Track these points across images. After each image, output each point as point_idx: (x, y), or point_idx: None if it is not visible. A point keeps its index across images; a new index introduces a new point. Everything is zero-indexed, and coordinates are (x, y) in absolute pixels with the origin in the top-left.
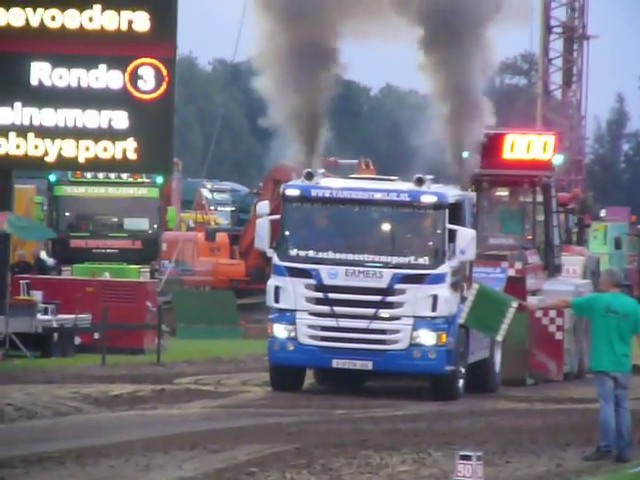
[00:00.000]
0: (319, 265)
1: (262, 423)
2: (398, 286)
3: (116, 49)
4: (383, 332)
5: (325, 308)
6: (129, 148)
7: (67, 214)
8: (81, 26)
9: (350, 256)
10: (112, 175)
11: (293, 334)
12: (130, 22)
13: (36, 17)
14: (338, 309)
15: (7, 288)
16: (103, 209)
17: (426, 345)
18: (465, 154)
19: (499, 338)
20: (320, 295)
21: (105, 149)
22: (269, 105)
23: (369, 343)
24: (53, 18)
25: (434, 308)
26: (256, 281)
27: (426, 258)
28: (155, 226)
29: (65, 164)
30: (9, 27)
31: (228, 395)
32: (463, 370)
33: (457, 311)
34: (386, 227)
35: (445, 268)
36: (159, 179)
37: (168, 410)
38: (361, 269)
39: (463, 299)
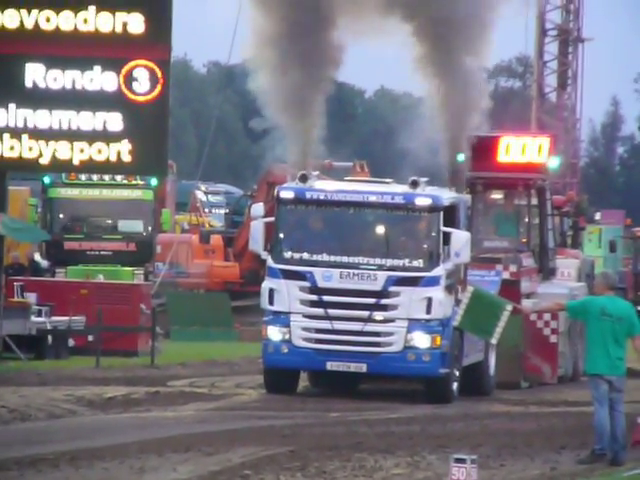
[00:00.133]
0: (313, 267)
1: (256, 426)
2: (392, 288)
3: (111, 51)
4: (377, 334)
5: (319, 310)
6: (123, 150)
7: (61, 216)
8: (76, 28)
9: (344, 258)
10: (106, 177)
11: (287, 336)
12: (125, 24)
13: (31, 18)
14: (332, 311)
15: (1, 290)
16: (97, 211)
17: (420, 348)
18: (460, 157)
19: (494, 341)
20: (314, 297)
21: (99, 151)
22: (264, 105)
23: (363, 345)
24: (48, 19)
25: (428, 311)
26: (250, 283)
27: (421, 261)
28: (149, 228)
29: (59, 166)
30: (3, 29)
31: (222, 398)
32: (457, 373)
33: (451, 314)
34: (381, 230)
35: (440, 271)
36: (153, 181)
37: (162, 412)
38: (355, 271)
39: (457, 302)
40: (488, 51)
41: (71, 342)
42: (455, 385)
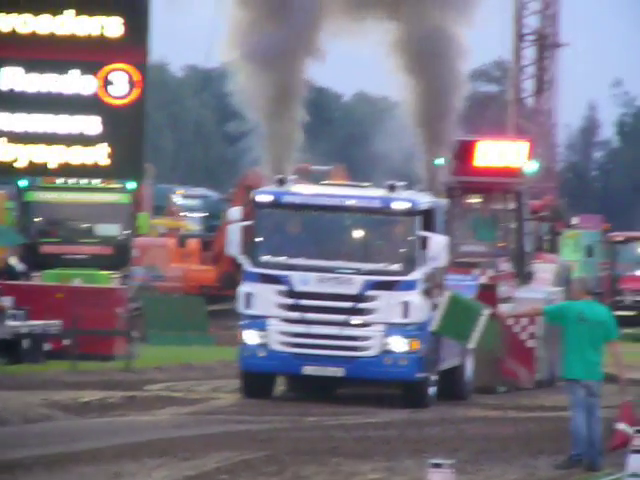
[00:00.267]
0: (290, 271)
1: (232, 430)
2: (370, 293)
3: (88, 54)
4: (354, 339)
5: (296, 314)
6: (100, 154)
7: (38, 220)
8: (53, 31)
9: (322, 262)
10: (83, 181)
11: (264, 340)
12: (102, 27)
13: (8, 22)
14: (309, 315)
15: None
16: (74, 215)
17: (397, 352)
18: (438, 161)
19: (471, 346)
20: (291, 301)
21: (76, 155)
22: (242, 107)
23: (340, 350)
24: (25, 23)
25: (405, 315)
26: (227, 287)
27: (398, 265)
28: (126, 232)
29: (36, 170)
30: None
31: (199, 402)
32: (434, 377)
33: (429, 318)
34: (358, 233)
35: (417, 275)
36: (130, 185)
37: (138, 417)
38: (333, 275)
39: (435, 306)
40: (466, 55)
41: (47, 346)
42: (432, 389)
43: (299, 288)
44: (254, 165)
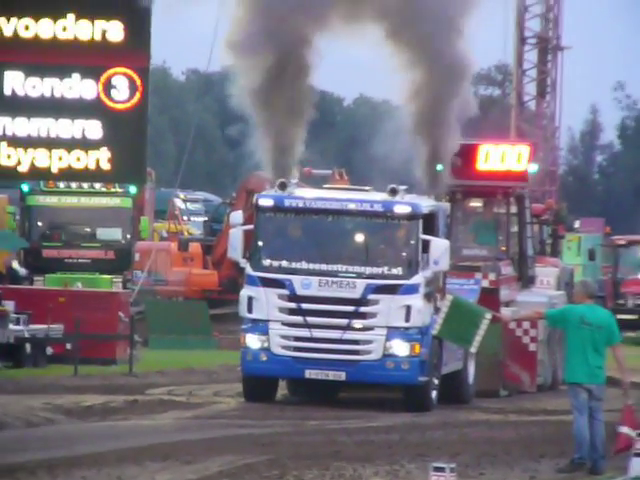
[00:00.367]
0: (292, 275)
1: (235, 434)
2: (371, 296)
3: (90, 59)
4: (356, 342)
5: (298, 318)
6: (102, 158)
7: (40, 224)
8: (54, 35)
9: (323, 266)
10: (85, 185)
11: (266, 344)
12: (104, 32)
13: (9, 27)
14: (311, 319)
15: None
16: (76, 219)
17: (399, 355)
18: (439, 167)
19: (473, 350)
20: (293, 305)
21: (78, 159)
22: (244, 109)
23: (342, 353)
24: (27, 27)
25: (407, 318)
26: (229, 291)
27: (399, 268)
28: (128, 236)
29: (38, 174)
30: None
31: (201, 406)
32: (436, 381)
33: (430, 322)
34: (360, 237)
35: (418, 278)
36: (132, 189)
37: (140, 421)
38: (334, 279)
39: (437, 310)
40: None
41: (49, 350)
42: (434, 393)
43: (301, 292)
44: (256, 169)
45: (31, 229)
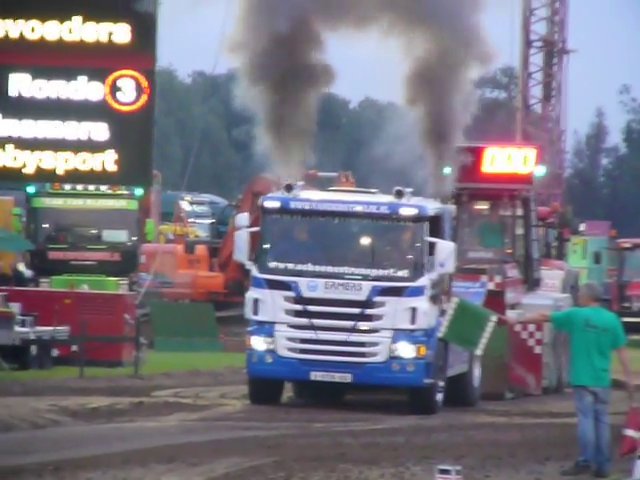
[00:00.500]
0: (298, 277)
1: (241, 436)
2: (377, 298)
3: (96, 61)
4: (362, 345)
5: (304, 320)
6: (108, 160)
7: (45, 226)
8: (61, 38)
9: (329, 268)
10: (91, 187)
11: (272, 346)
12: (110, 34)
13: (16, 28)
14: (317, 321)
15: None
16: (82, 221)
17: (405, 358)
18: (446, 170)
19: (478, 352)
20: (299, 307)
21: (84, 161)
22: (250, 111)
23: (348, 356)
24: (33, 29)
25: (413, 321)
26: (235, 294)
27: (405, 271)
28: (134, 238)
29: (44, 176)
30: None
31: (207, 408)
32: (442, 384)
33: (436, 324)
34: (366, 239)
35: (424, 281)
36: (138, 191)
37: (146, 423)
38: (340, 281)
39: (442, 312)
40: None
41: (55, 352)
42: (439, 396)
43: (307, 294)
44: (262, 172)
45: (37, 231)
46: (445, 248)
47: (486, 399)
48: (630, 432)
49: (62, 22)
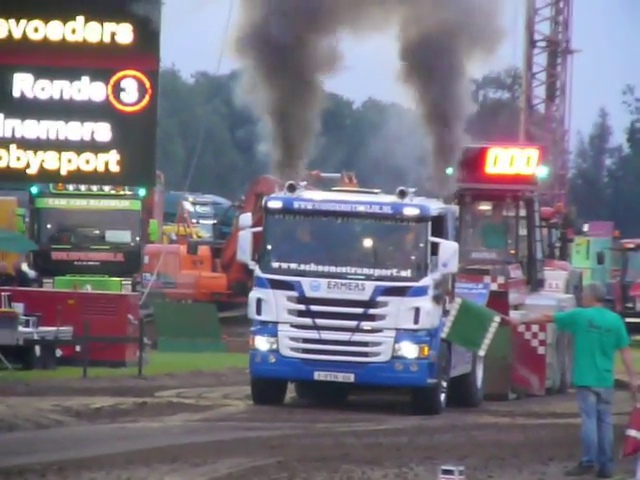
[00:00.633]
0: (301, 277)
1: (244, 437)
2: (380, 298)
3: (99, 61)
4: (365, 344)
5: (307, 320)
6: (112, 160)
7: (49, 226)
8: (64, 38)
9: (332, 268)
10: (94, 187)
11: (275, 346)
12: (113, 34)
13: (19, 29)
14: (320, 321)
15: None
16: (85, 221)
17: (408, 358)
18: (449, 170)
19: (481, 353)
20: (302, 307)
21: (87, 161)
22: (253, 110)
23: (351, 355)
24: (36, 30)
25: (416, 321)
26: (238, 294)
27: (408, 271)
28: (137, 239)
29: (47, 176)
30: None
31: (210, 408)
32: (445, 384)
33: (439, 324)
34: (368, 239)
35: (427, 281)
36: (141, 192)
37: (149, 423)
38: (343, 281)
39: (445, 312)
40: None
41: (58, 352)
42: (443, 396)
43: (310, 294)
44: (264, 172)
45: (40, 231)
46: (448, 248)
47: (489, 400)
48: (633, 432)
49: (65, 22)
